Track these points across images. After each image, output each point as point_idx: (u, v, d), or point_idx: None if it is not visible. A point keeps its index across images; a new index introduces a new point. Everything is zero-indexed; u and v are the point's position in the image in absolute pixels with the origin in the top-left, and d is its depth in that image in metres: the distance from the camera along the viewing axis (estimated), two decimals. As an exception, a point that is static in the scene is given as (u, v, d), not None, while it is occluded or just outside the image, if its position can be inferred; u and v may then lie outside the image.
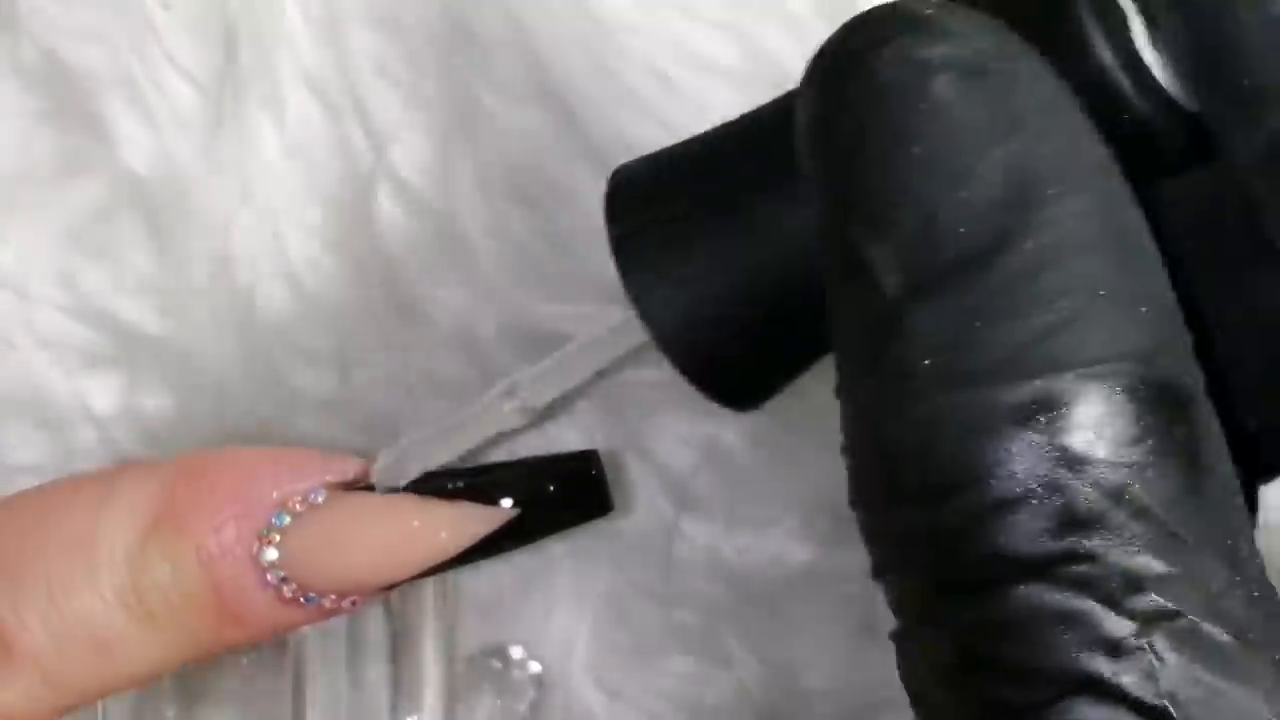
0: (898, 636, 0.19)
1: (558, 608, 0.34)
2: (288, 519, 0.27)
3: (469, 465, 0.28)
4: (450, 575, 0.34)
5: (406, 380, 0.34)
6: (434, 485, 0.27)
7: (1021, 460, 0.17)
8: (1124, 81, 0.19)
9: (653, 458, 0.34)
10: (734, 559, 0.34)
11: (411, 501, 0.27)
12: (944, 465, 0.18)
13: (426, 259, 0.34)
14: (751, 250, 0.23)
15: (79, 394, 0.34)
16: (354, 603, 0.28)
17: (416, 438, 0.27)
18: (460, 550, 0.27)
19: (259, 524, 0.27)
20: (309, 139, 0.34)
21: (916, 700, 0.19)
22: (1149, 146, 0.20)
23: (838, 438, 0.33)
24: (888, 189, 0.18)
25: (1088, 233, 0.18)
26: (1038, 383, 0.17)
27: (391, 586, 0.28)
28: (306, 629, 0.33)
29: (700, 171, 0.24)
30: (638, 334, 0.24)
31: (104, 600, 0.26)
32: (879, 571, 0.19)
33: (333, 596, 0.27)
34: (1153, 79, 0.19)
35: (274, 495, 0.27)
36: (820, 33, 0.34)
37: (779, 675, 0.34)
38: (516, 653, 0.34)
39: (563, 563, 0.34)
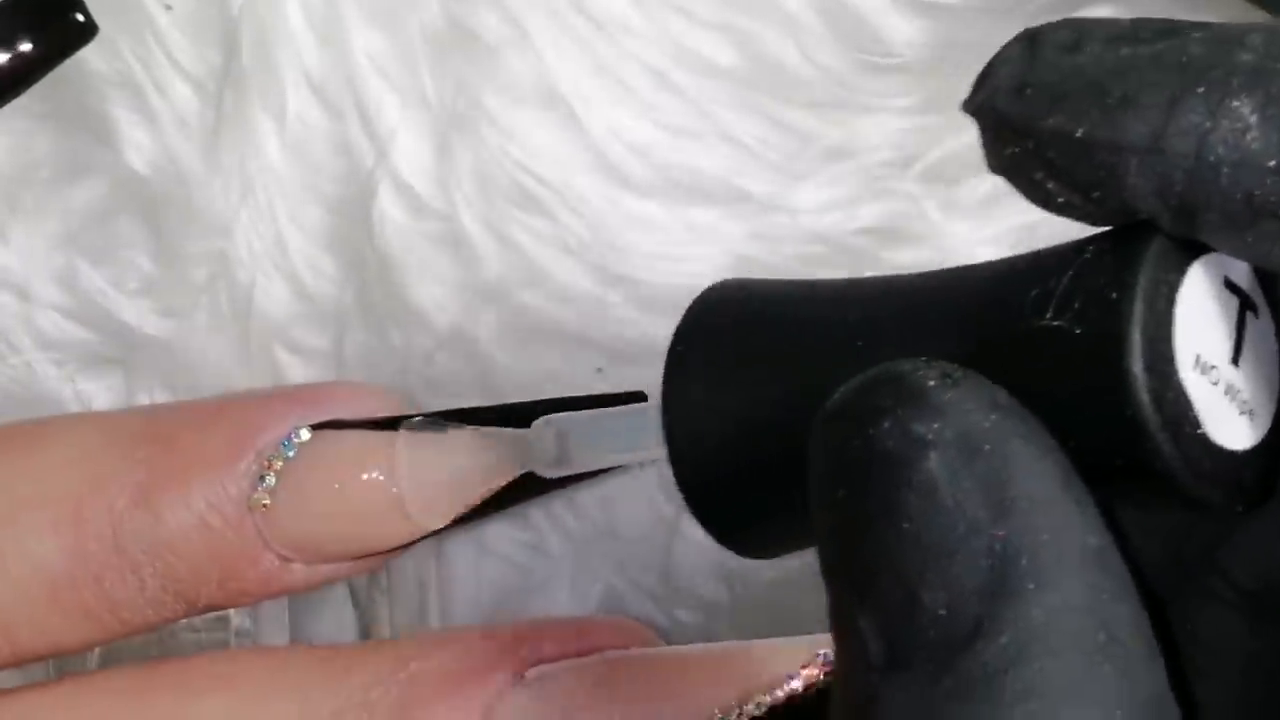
0: None
1: (557, 608, 0.34)
2: (272, 477, 0.26)
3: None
4: (443, 575, 0.34)
5: (406, 381, 0.34)
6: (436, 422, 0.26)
7: None
8: (1179, 467, 0.19)
9: (653, 458, 0.34)
10: (734, 559, 0.34)
11: (424, 441, 0.26)
12: None
13: (426, 259, 0.34)
14: (792, 415, 0.22)
15: (80, 395, 0.35)
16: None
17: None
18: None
19: (247, 484, 0.26)
20: (310, 139, 0.34)
21: None
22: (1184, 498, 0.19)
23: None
24: (874, 561, 0.18)
25: (1066, 631, 0.18)
26: None
27: (403, 546, 0.26)
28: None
29: (780, 321, 0.23)
30: None
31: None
32: None
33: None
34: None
35: (254, 450, 0.26)
36: (819, 33, 0.34)
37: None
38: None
39: (563, 563, 0.34)
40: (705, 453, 0.23)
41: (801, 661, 0.25)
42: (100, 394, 0.35)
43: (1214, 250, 0.19)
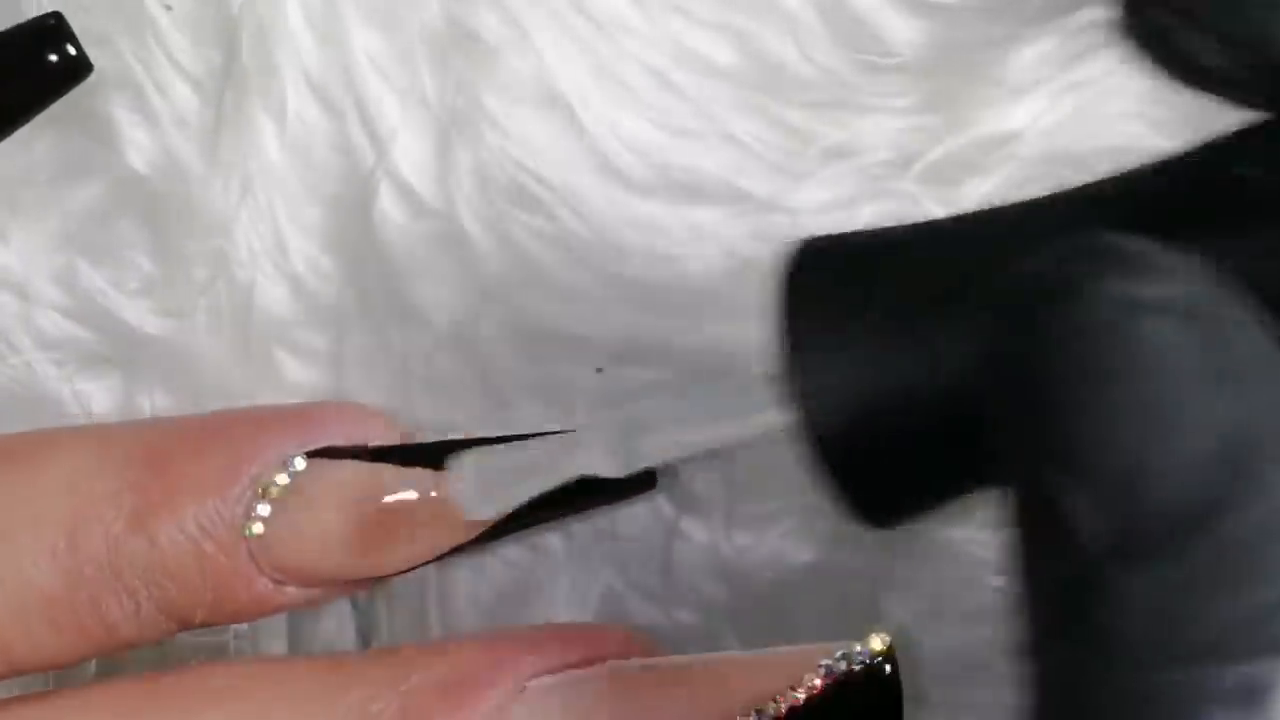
0: None
1: (557, 608, 0.34)
2: (266, 506, 0.26)
3: (492, 436, 0.26)
4: (442, 576, 0.34)
5: (405, 381, 0.34)
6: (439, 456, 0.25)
7: None
8: None
9: (653, 458, 0.34)
10: (734, 559, 0.34)
11: (419, 474, 0.26)
12: None
13: (426, 259, 0.34)
14: (924, 367, 0.21)
15: (80, 395, 0.34)
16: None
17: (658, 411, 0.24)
18: (478, 531, 0.25)
19: (242, 508, 0.26)
20: (309, 139, 0.34)
21: None
22: None
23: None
24: (1091, 434, 0.17)
25: None
26: (1245, 668, 0.16)
27: (389, 576, 0.26)
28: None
29: (898, 268, 0.22)
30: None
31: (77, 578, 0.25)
32: None
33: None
34: None
35: (248, 475, 0.26)
36: (818, 32, 0.34)
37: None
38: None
39: (563, 563, 0.34)
40: (842, 416, 0.22)
41: (805, 671, 0.25)
42: (100, 394, 0.35)
43: None
